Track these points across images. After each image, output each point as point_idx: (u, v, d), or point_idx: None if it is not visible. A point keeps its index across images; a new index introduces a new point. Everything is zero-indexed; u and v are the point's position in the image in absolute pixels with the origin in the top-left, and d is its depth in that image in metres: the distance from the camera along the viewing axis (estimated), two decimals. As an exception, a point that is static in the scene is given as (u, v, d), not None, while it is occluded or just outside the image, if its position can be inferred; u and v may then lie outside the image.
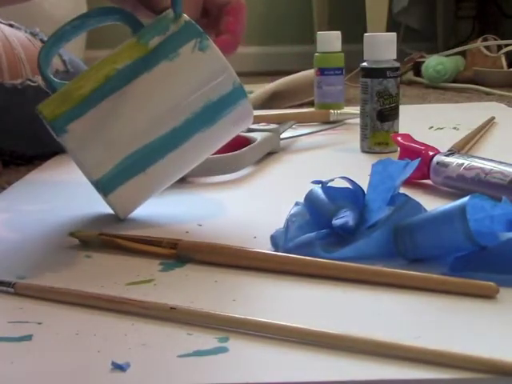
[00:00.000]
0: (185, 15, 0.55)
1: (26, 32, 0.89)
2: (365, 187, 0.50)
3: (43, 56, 0.56)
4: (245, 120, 0.57)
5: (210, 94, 0.54)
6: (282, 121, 0.91)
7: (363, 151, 0.82)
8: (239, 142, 0.72)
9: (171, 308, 0.38)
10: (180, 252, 0.47)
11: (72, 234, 0.51)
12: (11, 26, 0.89)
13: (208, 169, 0.67)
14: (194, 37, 0.54)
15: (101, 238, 0.50)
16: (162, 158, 0.54)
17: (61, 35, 0.57)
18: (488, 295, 0.39)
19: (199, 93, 0.54)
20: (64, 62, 0.87)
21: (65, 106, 0.53)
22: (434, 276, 0.41)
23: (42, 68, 0.56)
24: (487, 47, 1.72)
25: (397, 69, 0.81)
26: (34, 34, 0.89)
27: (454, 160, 0.62)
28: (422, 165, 0.63)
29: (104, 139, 0.53)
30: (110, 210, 0.59)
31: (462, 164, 0.60)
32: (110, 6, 0.58)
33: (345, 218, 0.47)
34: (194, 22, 0.55)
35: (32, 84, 0.83)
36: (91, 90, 0.53)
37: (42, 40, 0.89)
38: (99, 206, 0.60)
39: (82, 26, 0.57)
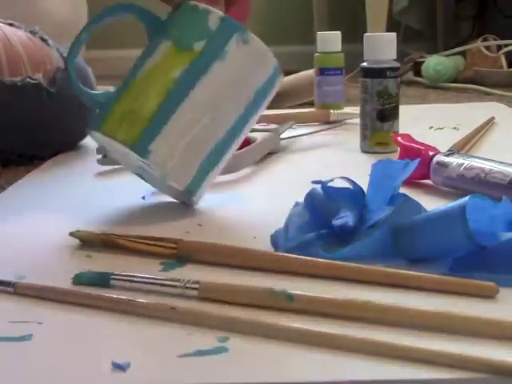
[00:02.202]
0: (218, 11, 0.56)
1: (25, 31, 0.89)
2: (365, 187, 0.50)
3: (71, 68, 0.58)
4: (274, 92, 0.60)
5: (260, 80, 0.57)
6: (281, 121, 0.91)
7: (363, 151, 0.82)
8: (239, 142, 0.72)
9: (171, 308, 0.38)
10: (180, 252, 0.47)
11: (72, 234, 0.51)
12: (11, 25, 0.89)
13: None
14: (234, 32, 0.56)
15: (101, 238, 0.50)
16: (229, 148, 0.57)
17: (81, 40, 0.58)
18: (488, 295, 0.39)
19: (252, 81, 0.56)
20: (65, 59, 0.87)
21: (138, 126, 0.54)
22: (434, 276, 0.41)
23: (73, 80, 0.59)
24: (487, 47, 1.72)
25: (397, 69, 0.81)
26: (33, 33, 0.89)
27: (454, 160, 0.62)
28: (422, 165, 0.63)
29: (183, 149, 0.54)
30: (110, 211, 0.59)
31: (462, 164, 0.60)
32: (127, 2, 0.59)
33: (345, 218, 0.47)
34: (228, 17, 0.56)
35: (32, 81, 0.83)
36: (158, 105, 0.54)
37: (42, 38, 0.88)
38: (99, 206, 0.60)
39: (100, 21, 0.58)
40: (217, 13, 0.56)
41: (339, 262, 0.44)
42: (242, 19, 0.58)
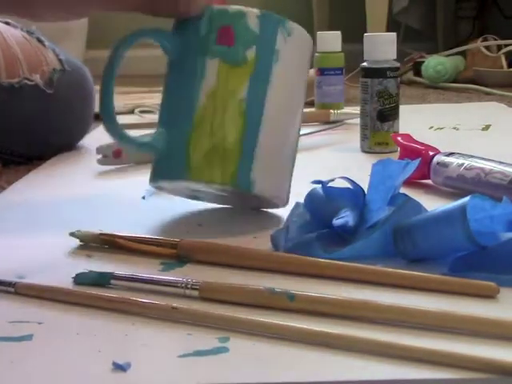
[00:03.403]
0: (251, 10, 0.52)
1: (22, 30, 0.89)
2: (365, 187, 0.50)
3: (108, 112, 0.52)
4: None
5: (307, 68, 0.56)
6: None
7: (363, 151, 0.82)
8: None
9: (172, 308, 0.38)
10: (180, 252, 0.47)
11: (72, 234, 0.51)
12: (7, 23, 0.89)
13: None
14: (277, 27, 0.52)
15: (101, 238, 0.50)
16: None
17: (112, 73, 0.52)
18: (488, 295, 0.39)
19: (304, 73, 0.55)
20: (60, 61, 0.87)
21: (232, 162, 0.51)
22: (434, 276, 0.41)
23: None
24: (487, 47, 1.72)
25: (397, 69, 0.81)
26: (30, 33, 0.89)
27: (454, 160, 0.62)
28: (423, 165, 0.63)
29: (276, 168, 0.53)
30: (110, 211, 0.59)
31: (463, 164, 0.60)
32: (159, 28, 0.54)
33: (345, 218, 0.47)
34: (265, 13, 0.52)
35: (29, 83, 0.82)
36: (242, 132, 0.51)
37: (38, 39, 0.88)
38: (99, 206, 0.60)
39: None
40: (252, 12, 0.52)
41: (339, 262, 0.44)
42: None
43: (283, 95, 0.53)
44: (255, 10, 0.52)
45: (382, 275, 0.42)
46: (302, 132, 0.90)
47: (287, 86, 0.53)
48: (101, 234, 0.50)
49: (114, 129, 0.52)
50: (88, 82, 0.91)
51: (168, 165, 0.52)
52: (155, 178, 0.54)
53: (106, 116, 0.52)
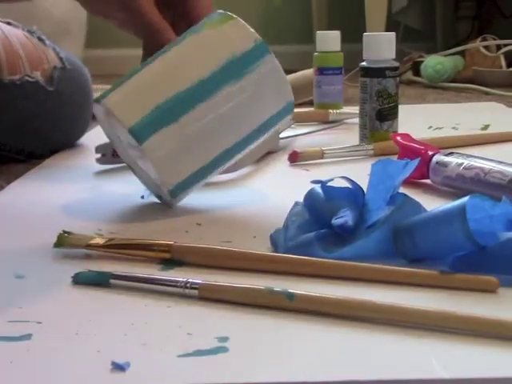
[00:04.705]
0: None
1: (23, 30, 0.89)
2: (364, 187, 0.50)
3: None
4: (273, 77, 0.60)
5: (234, 50, 0.57)
6: (281, 120, 0.91)
7: (362, 151, 0.82)
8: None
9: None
10: (174, 256, 0.47)
11: (57, 245, 0.49)
12: (9, 24, 0.90)
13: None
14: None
15: (86, 245, 0.48)
16: (192, 108, 0.55)
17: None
18: (488, 289, 0.40)
19: (224, 49, 0.57)
20: (61, 59, 0.88)
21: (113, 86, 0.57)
22: (434, 272, 0.41)
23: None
24: (486, 47, 1.72)
25: (396, 68, 0.81)
26: (31, 32, 0.89)
27: (453, 160, 0.62)
28: (422, 164, 0.63)
29: (135, 88, 0.56)
30: (108, 210, 0.59)
31: (462, 164, 0.60)
32: None
33: (344, 217, 0.47)
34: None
35: (30, 80, 0.83)
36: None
37: (39, 38, 0.89)
38: (98, 205, 0.60)
39: None
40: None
41: (339, 262, 0.44)
42: (209, 8, 0.61)
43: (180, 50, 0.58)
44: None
45: (382, 273, 0.42)
46: (301, 131, 0.92)
47: (190, 44, 0.58)
48: (87, 246, 0.48)
49: None
50: (87, 81, 0.92)
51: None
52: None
53: None
